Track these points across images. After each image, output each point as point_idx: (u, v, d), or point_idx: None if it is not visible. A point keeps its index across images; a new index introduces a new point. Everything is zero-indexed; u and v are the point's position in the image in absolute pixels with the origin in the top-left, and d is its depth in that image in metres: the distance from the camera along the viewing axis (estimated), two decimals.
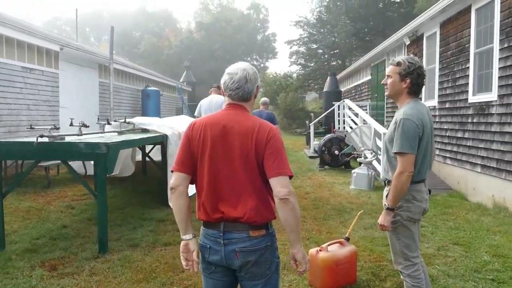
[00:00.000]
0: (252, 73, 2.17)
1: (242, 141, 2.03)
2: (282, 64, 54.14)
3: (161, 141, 6.83)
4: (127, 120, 6.85)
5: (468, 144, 7.45)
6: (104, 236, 4.64)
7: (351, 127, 11.80)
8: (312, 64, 32.33)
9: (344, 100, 13.88)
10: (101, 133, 6.23)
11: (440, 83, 8.75)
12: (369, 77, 15.90)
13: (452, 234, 5.16)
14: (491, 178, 6.71)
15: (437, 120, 8.89)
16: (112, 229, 5.42)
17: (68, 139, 5.02)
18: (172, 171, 2.12)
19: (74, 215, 6.24)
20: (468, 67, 7.47)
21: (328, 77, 17.00)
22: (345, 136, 9.26)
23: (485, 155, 6.83)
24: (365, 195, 7.43)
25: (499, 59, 6.42)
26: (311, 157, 13.26)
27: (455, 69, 8.04)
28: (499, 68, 6.43)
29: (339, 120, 15.76)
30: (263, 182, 2.06)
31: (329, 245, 3.75)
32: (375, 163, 8.33)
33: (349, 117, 13.16)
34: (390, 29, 30.50)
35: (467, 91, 7.50)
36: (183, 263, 2.13)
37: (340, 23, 28.92)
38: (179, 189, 2.09)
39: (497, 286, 3.70)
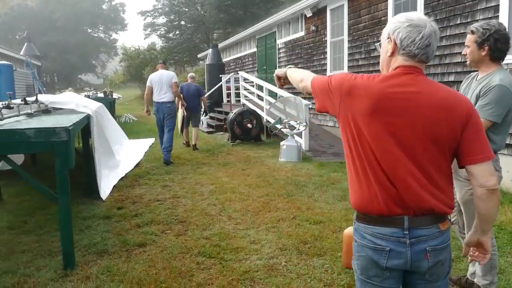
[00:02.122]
0: (437, 29, 1.73)
1: (432, 116, 1.61)
2: (135, 37, 51.26)
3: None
4: (38, 99, 5.45)
5: None
6: (70, 247, 3.61)
7: (251, 100, 11.65)
8: (174, 37, 31.13)
9: (239, 72, 13.62)
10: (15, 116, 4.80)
11: (350, 54, 9.11)
12: (253, 49, 15.88)
13: None
14: None
15: None
16: (54, 237, 4.31)
17: None
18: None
19: (5, 225, 4.78)
20: None
21: (210, 49, 16.44)
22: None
23: None
24: (302, 167, 7.39)
25: None
26: (209, 132, 12.78)
27: (368, 41, 8.43)
28: None
29: (228, 94, 15.51)
30: (449, 165, 1.69)
31: None
32: (296, 135, 8.33)
33: (246, 89, 13.00)
34: (251, 2, 31.08)
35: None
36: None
37: None
38: None
39: None
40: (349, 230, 3.48)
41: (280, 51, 13.16)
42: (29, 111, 4.96)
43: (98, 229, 4.56)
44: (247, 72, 16.29)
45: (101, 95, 15.80)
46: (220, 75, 15.34)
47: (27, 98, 5.33)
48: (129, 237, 4.29)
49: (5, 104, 4.12)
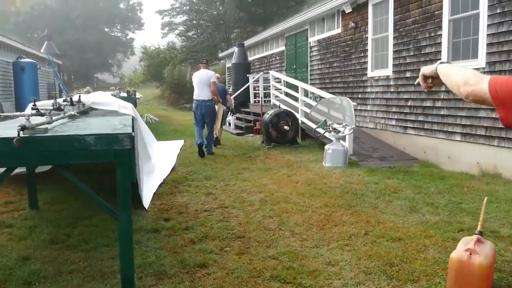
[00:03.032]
0: None
1: None
2: (152, 36, 51.11)
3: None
4: (80, 99, 5.05)
5: (441, 113, 7.38)
6: (130, 270, 3.16)
7: (286, 100, 11.16)
8: (195, 36, 30.77)
9: (269, 71, 13.15)
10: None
11: (396, 52, 8.56)
12: (281, 48, 15.38)
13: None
14: (475, 146, 6.71)
15: (392, 90, 8.74)
16: (102, 254, 3.88)
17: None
18: None
19: (22, 237, 4.36)
20: (440, 35, 7.31)
21: (236, 48, 16.02)
22: (310, 111, 8.54)
23: (468, 123, 6.80)
24: (352, 173, 6.87)
25: (488, 25, 6.32)
26: (238, 134, 12.32)
27: (419, 37, 7.87)
28: (488, 35, 6.33)
29: (256, 94, 15.05)
30: None
31: (475, 243, 2.99)
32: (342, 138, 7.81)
33: (277, 89, 12.53)
34: (272, 1, 30.55)
35: (439, 59, 7.37)
36: None
37: None
38: None
39: None
40: (458, 255, 2.98)
41: (313, 49, 12.63)
42: (72, 113, 4.56)
43: (150, 245, 4.11)
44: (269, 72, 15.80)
45: (124, 94, 15.48)
46: (248, 75, 14.90)
47: (74, 99, 4.93)
48: (186, 256, 3.83)
49: (55, 105, 3.69)
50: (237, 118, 13.96)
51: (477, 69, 6.53)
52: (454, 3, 7.03)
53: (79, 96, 5.08)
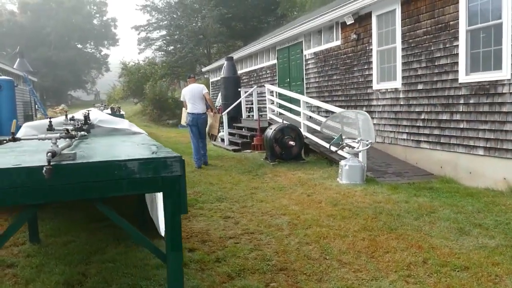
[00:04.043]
0: None
1: None
2: (128, 52, 50.08)
3: None
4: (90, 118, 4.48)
5: (460, 127, 7.11)
6: None
7: (280, 113, 10.76)
8: (174, 51, 30.20)
9: (265, 85, 12.75)
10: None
11: (405, 63, 8.30)
12: (273, 61, 15.05)
13: None
14: (500, 160, 6.43)
15: (401, 103, 8.46)
16: None
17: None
18: None
19: (29, 279, 3.71)
20: (457, 46, 7.08)
21: (225, 62, 15.56)
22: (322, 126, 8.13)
23: (493, 137, 6.53)
24: (374, 191, 6.46)
25: None
26: (234, 150, 11.81)
27: (432, 48, 7.63)
28: None
29: (250, 109, 14.62)
30: None
31: None
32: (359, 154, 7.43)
33: (273, 103, 12.14)
34: (252, 16, 30.41)
35: (456, 70, 7.13)
36: None
37: (207, 7, 27.50)
38: None
39: None
40: None
41: (308, 62, 12.33)
42: (84, 133, 3.99)
43: (186, 285, 3.55)
44: (263, 85, 15.43)
45: (107, 111, 14.80)
46: (239, 89, 14.47)
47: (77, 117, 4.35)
48: None
49: (77, 124, 3.13)
50: (230, 134, 13.45)
51: (501, 80, 6.30)
52: (471, 13, 6.81)
53: (88, 114, 4.50)
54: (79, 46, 57.66)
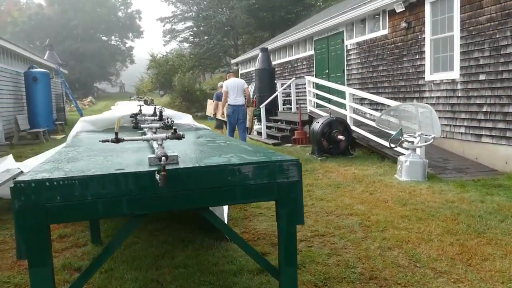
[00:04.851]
0: None
1: None
2: (153, 44, 50.24)
3: None
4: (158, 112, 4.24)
5: None
6: None
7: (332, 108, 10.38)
8: (203, 42, 29.95)
9: (305, 77, 12.38)
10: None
11: (464, 53, 7.81)
12: (310, 52, 14.63)
13: None
14: None
15: (459, 95, 7.98)
16: None
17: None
18: None
19: (101, 286, 3.50)
20: None
21: (260, 53, 15.20)
22: (378, 119, 7.74)
23: None
24: (442, 189, 6.07)
25: None
26: (274, 144, 11.51)
27: (497, 36, 7.12)
28: None
29: (285, 101, 14.30)
30: None
31: None
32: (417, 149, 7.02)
33: (315, 95, 11.77)
34: (280, 6, 29.85)
35: None
36: None
37: None
38: None
39: None
40: None
41: (350, 52, 11.88)
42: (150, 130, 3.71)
43: None
44: (300, 77, 15.05)
45: (141, 104, 14.65)
46: (275, 81, 14.13)
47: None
48: None
49: (162, 123, 2.87)
50: (267, 127, 13.14)
51: None
52: None
53: (161, 110, 4.25)
54: (104, 38, 58.05)
